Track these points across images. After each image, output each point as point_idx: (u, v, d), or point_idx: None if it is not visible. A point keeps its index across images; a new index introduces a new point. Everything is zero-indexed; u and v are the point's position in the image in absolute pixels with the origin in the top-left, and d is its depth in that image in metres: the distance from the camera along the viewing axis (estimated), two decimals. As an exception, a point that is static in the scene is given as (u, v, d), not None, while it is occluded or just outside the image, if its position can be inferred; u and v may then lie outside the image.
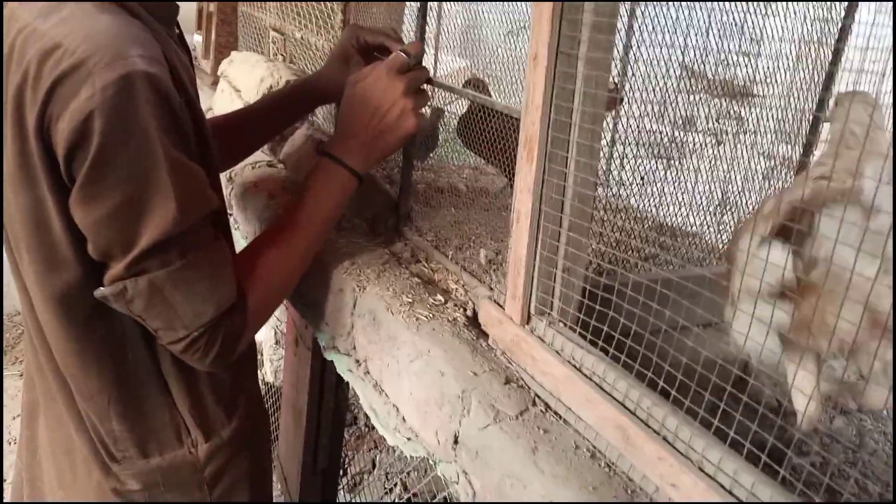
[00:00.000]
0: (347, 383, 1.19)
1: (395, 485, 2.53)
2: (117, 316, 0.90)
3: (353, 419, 2.81)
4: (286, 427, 1.97)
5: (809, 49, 1.11)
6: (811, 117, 1.20)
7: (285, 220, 1.05)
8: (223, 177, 1.70)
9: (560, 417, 0.83)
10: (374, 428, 1.08)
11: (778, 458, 0.62)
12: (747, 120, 1.19)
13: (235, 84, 1.90)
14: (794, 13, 1.07)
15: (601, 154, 0.85)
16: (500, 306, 0.96)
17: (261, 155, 1.73)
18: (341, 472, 2.27)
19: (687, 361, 0.71)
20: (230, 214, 1.63)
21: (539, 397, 0.87)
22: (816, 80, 1.15)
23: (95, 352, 0.94)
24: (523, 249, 0.88)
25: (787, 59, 1.09)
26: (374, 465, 2.61)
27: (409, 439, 1.00)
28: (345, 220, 1.36)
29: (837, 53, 1.12)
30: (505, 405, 0.84)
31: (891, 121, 0.75)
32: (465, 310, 1.06)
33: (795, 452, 0.61)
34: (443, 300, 1.08)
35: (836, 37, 1.12)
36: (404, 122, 1.08)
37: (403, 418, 1.01)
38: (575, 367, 0.82)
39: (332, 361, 1.21)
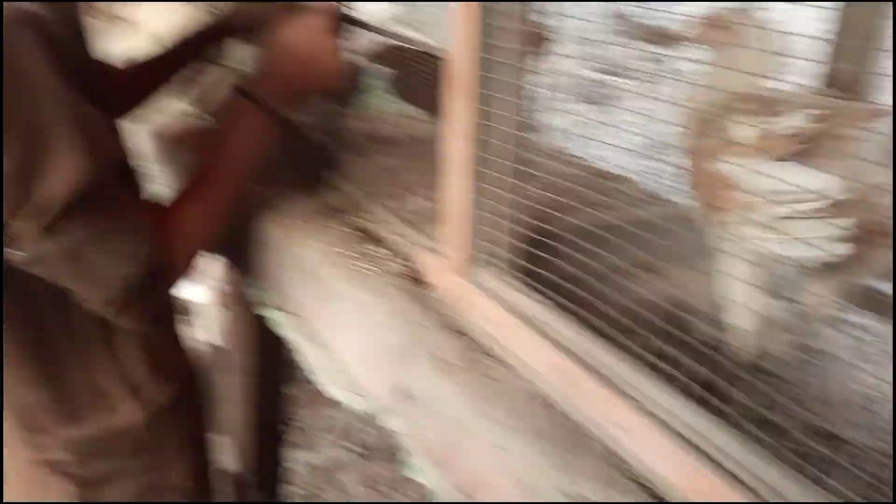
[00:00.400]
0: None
1: (350, 440, 2.54)
2: (29, 281, 0.84)
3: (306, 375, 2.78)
4: (231, 388, 1.93)
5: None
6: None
7: (207, 170, 0.99)
8: (139, 128, 1.60)
9: (506, 365, 0.83)
10: (327, 384, 1.07)
11: (727, 397, 0.63)
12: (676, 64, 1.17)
13: (146, 26, 1.78)
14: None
15: (533, 97, 0.83)
16: (440, 255, 0.94)
17: (179, 104, 1.63)
18: (293, 430, 2.25)
19: (629, 305, 0.71)
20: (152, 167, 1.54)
21: (483, 345, 0.86)
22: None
23: (7, 320, 0.88)
24: (459, 196, 0.86)
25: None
26: (328, 422, 2.60)
27: (352, 393, 0.98)
28: (275, 171, 1.30)
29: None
30: (448, 355, 0.83)
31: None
32: (404, 260, 1.03)
33: (742, 390, 0.62)
34: (380, 251, 1.05)
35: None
36: (331, 81, 1.04)
37: (346, 372, 0.99)
38: (518, 313, 0.81)
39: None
